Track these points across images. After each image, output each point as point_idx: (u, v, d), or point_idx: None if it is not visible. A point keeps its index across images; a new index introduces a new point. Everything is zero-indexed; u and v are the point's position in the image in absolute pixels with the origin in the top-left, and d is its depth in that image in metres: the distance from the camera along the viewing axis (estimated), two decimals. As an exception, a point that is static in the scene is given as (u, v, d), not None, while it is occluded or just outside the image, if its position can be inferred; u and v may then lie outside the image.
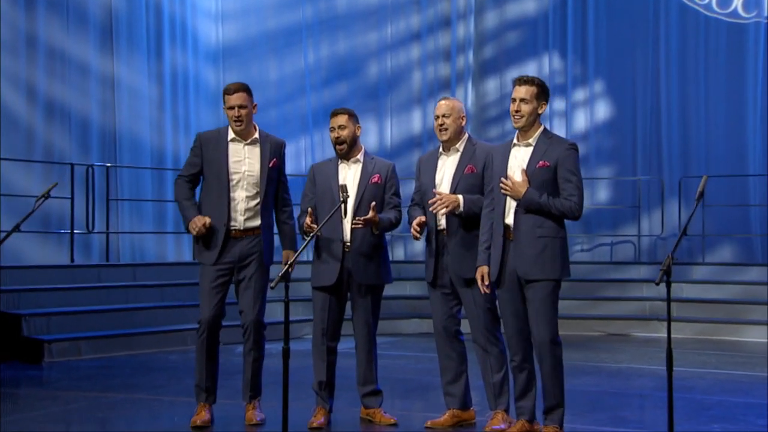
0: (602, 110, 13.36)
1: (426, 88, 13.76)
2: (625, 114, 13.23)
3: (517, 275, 5.11)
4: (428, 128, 13.19)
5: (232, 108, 5.61)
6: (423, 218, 5.49)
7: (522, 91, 5.10)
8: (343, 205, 5.38)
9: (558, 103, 13.43)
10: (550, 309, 5.08)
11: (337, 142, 5.71)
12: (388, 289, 6.02)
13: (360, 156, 5.76)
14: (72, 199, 10.49)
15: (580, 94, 13.45)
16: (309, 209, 5.58)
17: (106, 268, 10.41)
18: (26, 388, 7.49)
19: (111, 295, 9.88)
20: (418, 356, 9.29)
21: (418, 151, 13.03)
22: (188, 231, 5.68)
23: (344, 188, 5.37)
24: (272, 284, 4.80)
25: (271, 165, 5.71)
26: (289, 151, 13.57)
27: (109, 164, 11.50)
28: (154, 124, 12.39)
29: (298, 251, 4.99)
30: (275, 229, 5.85)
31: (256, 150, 5.70)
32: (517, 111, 5.10)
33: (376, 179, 5.70)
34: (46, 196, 5.53)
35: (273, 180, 5.73)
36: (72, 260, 10.38)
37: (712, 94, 12.77)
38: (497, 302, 5.35)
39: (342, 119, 5.71)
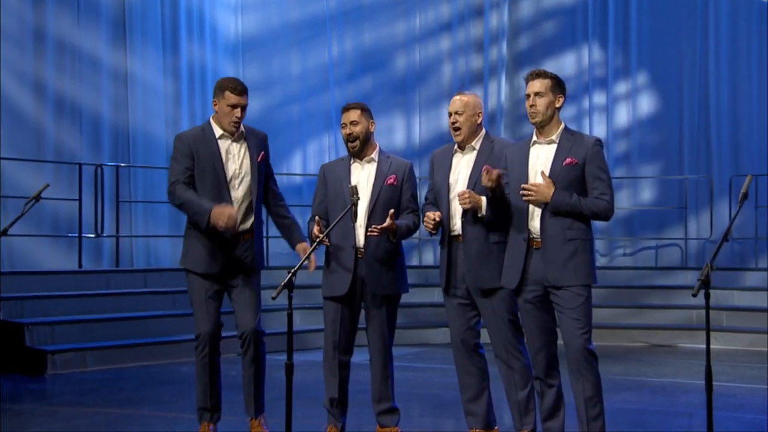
0: (646, 104, 13.16)
1: (457, 81, 13.63)
2: (670, 108, 13.01)
3: (542, 284, 4.96)
4: None
5: (235, 107, 5.51)
6: (439, 213, 5.32)
7: (536, 85, 5.00)
8: (353, 208, 5.23)
9: (598, 97, 13.24)
10: (585, 317, 4.93)
11: (348, 139, 5.56)
12: (415, 296, 5.87)
13: (374, 155, 5.61)
14: (80, 200, 10.45)
15: (621, 87, 13.25)
16: (317, 217, 5.43)
17: (115, 274, 10.36)
18: (26, 403, 7.41)
19: (120, 303, 9.81)
20: (445, 369, 9.07)
21: None
22: (207, 227, 5.38)
23: (354, 189, 5.22)
24: (273, 294, 4.62)
25: (259, 159, 5.62)
26: (312, 149, 13.74)
27: (121, 164, 11.45)
28: (169, 121, 12.35)
29: (300, 261, 4.84)
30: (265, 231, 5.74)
31: (244, 146, 5.61)
32: (532, 106, 5.00)
33: (391, 180, 5.55)
34: (37, 198, 5.46)
35: (262, 175, 5.64)
36: (80, 265, 10.31)
37: (766, 86, 12.45)
38: (519, 314, 5.19)
39: (354, 114, 5.55)
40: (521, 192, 4.91)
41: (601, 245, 13.05)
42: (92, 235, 10.78)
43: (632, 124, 13.12)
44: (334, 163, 5.77)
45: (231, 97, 5.49)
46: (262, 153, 5.63)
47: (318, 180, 5.71)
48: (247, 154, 5.58)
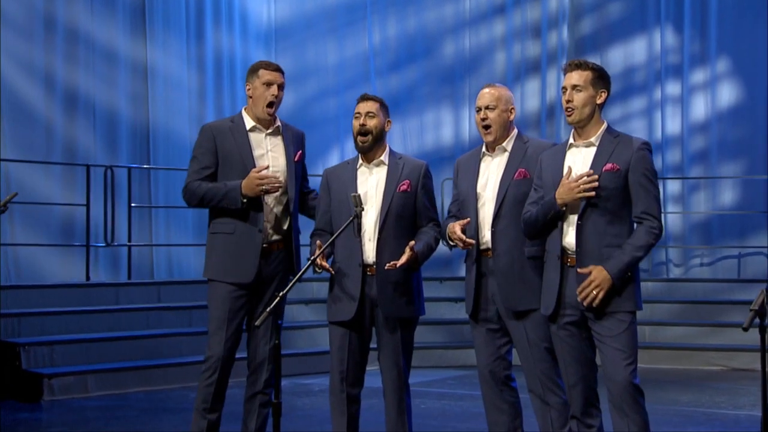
0: (726, 95, 12.78)
1: (511, 71, 13.40)
2: (755, 98, 12.63)
3: (579, 308, 4.71)
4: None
5: (270, 85, 5.35)
6: (465, 221, 5.06)
7: (573, 77, 4.76)
8: (356, 220, 5.00)
9: (672, 88, 12.93)
10: (629, 347, 4.69)
11: (360, 132, 5.29)
12: (459, 312, 5.52)
13: (384, 157, 5.35)
14: (87, 206, 10.33)
15: (699, 76, 12.89)
16: (318, 241, 5.15)
17: (126, 288, 10.21)
18: (16, 434, 7.27)
19: (129, 320, 9.68)
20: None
21: None
22: (244, 204, 5.21)
23: (358, 199, 4.99)
24: (257, 322, 4.36)
25: (296, 159, 5.47)
26: (351, 147, 13.31)
27: (134, 165, 11.33)
28: (193, 117, 12.30)
29: (292, 282, 4.58)
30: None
31: (279, 141, 5.46)
32: (568, 101, 4.76)
33: (405, 186, 5.28)
34: (3, 208, 5.26)
35: (298, 177, 5.50)
36: (87, 278, 10.18)
37: None
38: (553, 342, 4.94)
39: (371, 105, 5.33)
40: (580, 298, 4.64)
41: (675, 254, 12.74)
42: (102, 245, 10.64)
43: (711, 118, 12.76)
44: (338, 167, 5.53)
45: (265, 74, 5.36)
46: (300, 152, 5.51)
47: (320, 187, 5.48)
48: (283, 150, 5.44)
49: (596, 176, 4.65)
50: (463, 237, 5.00)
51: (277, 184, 5.26)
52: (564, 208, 4.71)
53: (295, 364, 9.46)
